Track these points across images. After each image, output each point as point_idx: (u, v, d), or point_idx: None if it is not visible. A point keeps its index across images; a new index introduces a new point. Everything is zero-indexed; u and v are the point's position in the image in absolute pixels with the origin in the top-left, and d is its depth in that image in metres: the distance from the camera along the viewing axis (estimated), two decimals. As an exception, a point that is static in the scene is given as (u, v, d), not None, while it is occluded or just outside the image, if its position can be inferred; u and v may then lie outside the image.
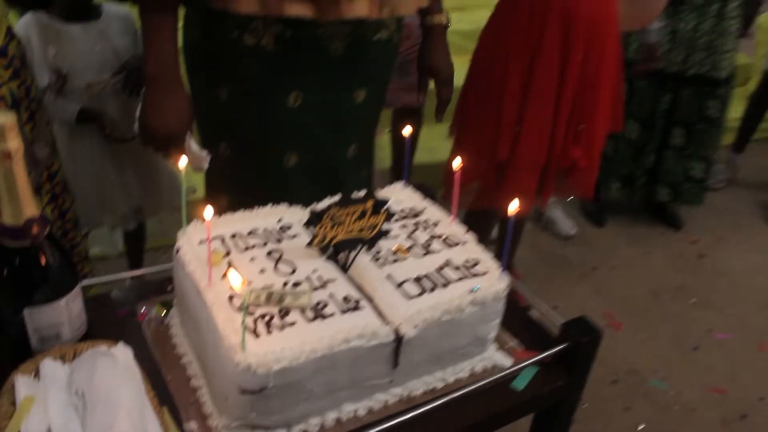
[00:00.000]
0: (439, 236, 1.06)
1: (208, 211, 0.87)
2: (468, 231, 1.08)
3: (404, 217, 1.11)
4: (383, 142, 2.86)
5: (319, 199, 1.11)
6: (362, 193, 1.05)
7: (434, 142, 2.86)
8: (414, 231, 1.08)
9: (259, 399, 0.80)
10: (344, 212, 0.97)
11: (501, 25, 1.89)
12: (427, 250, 1.03)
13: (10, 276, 0.86)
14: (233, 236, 1.01)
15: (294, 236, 1.03)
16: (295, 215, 1.08)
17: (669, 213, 3.22)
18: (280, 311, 0.86)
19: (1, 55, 1.31)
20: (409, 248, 1.03)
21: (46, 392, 0.79)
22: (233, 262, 0.95)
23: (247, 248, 0.99)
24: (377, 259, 1.00)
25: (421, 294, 0.93)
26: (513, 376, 1.01)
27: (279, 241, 1.02)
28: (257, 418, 0.82)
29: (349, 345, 0.83)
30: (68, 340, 0.91)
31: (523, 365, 1.01)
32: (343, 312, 0.88)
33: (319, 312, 0.87)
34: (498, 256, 1.00)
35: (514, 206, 0.95)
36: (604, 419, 2.11)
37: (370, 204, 0.99)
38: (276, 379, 0.79)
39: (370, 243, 1.00)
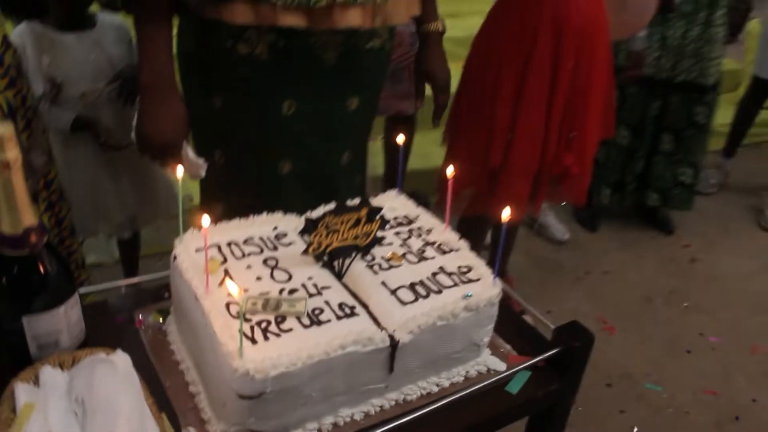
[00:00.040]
0: (433, 243, 1.08)
1: (205, 219, 0.89)
2: (461, 238, 1.09)
3: (398, 225, 1.13)
4: (376, 149, 2.87)
5: (314, 206, 1.12)
6: (356, 201, 1.06)
7: (428, 149, 2.88)
8: (408, 238, 1.09)
9: (256, 404, 0.81)
10: (339, 220, 0.98)
11: (493, 32, 1.90)
12: (420, 257, 1.04)
13: (9, 284, 0.87)
14: (229, 244, 1.02)
15: (289, 244, 1.04)
16: (290, 223, 1.09)
17: (660, 218, 3.24)
18: (276, 318, 0.87)
19: (-3, 64, 1.32)
20: (403, 255, 1.04)
21: (46, 399, 0.80)
22: (230, 270, 0.96)
23: (243, 256, 1.00)
24: (372, 266, 1.01)
25: (415, 300, 0.95)
26: (507, 380, 1.02)
27: (275, 248, 1.03)
28: (255, 423, 0.83)
29: (345, 351, 0.84)
30: (67, 347, 0.91)
31: (516, 369, 1.02)
32: (339, 318, 0.89)
33: (315, 318, 0.88)
34: (491, 262, 1.01)
35: (506, 213, 0.97)
36: (598, 422, 2.12)
37: (364, 212, 1.00)
38: (273, 385, 0.80)
39: (365, 250, 1.02)
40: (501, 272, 0.97)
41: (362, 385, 0.90)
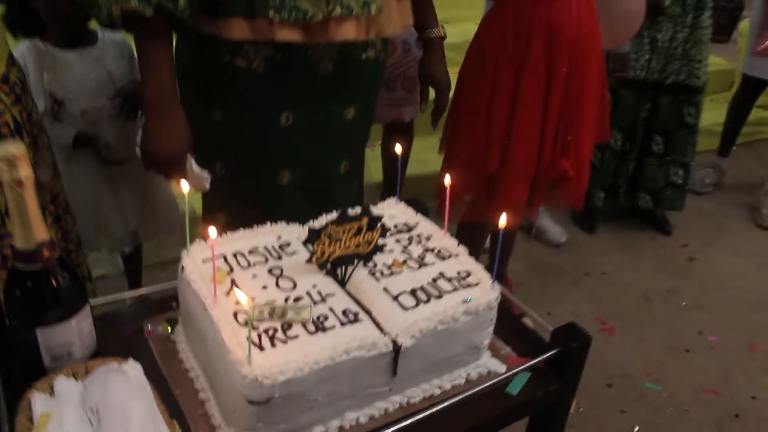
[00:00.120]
0: (433, 249, 1.10)
1: (212, 231, 0.91)
2: (460, 244, 1.12)
3: (398, 232, 1.16)
4: (375, 155, 2.89)
5: (313, 214, 1.15)
6: (358, 210, 1.09)
7: (426, 154, 2.90)
8: (408, 245, 1.12)
9: (265, 409, 0.84)
10: (341, 229, 1.01)
11: (487, 38, 1.92)
12: (421, 263, 1.07)
13: (23, 297, 0.90)
14: (235, 254, 1.05)
15: (293, 253, 1.07)
16: (293, 233, 1.12)
17: (658, 218, 3.26)
18: (283, 325, 0.90)
19: (3, 81, 1.34)
20: (404, 262, 1.07)
21: (61, 408, 0.82)
22: (236, 280, 0.99)
23: (249, 265, 1.03)
24: (374, 273, 1.04)
25: (416, 305, 0.97)
26: (507, 381, 1.04)
27: (279, 258, 1.05)
28: (264, 427, 0.86)
29: (349, 356, 0.87)
30: (79, 358, 0.94)
31: (516, 371, 1.05)
32: (343, 324, 0.92)
33: (320, 325, 0.91)
34: (490, 266, 1.03)
35: (503, 220, 0.99)
36: (599, 422, 2.14)
37: (365, 221, 1.03)
38: (281, 390, 0.83)
39: (367, 258, 1.04)
40: (500, 276, 0.99)
41: (367, 388, 0.93)
